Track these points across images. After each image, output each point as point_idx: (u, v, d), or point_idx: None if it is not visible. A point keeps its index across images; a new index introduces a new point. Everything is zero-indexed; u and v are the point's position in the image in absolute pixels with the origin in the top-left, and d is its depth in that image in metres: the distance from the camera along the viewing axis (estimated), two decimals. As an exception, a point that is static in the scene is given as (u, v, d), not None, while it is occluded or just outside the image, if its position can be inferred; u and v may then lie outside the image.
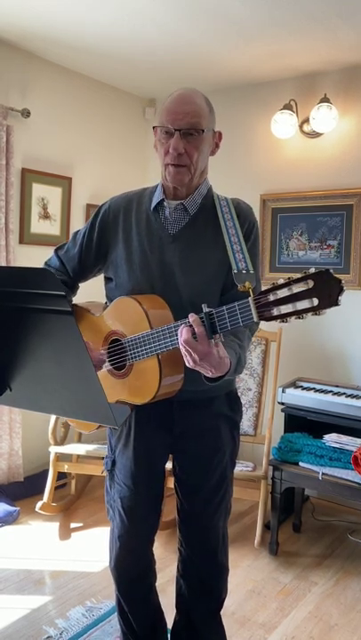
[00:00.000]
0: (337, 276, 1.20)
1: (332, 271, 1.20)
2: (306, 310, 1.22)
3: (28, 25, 3.03)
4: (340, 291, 1.19)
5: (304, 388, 3.16)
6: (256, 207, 3.74)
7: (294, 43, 3.12)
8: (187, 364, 1.39)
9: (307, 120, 3.49)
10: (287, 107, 3.47)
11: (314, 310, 1.21)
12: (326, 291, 1.20)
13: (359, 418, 2.89)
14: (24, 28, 3.07)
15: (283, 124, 3.48)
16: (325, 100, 3.33)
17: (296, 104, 3.53)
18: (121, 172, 4.12)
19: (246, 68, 3.52)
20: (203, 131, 1.54)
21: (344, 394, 3.04)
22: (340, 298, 1.20)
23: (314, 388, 3.15)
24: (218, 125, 1.67)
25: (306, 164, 3.61)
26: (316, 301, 1.21)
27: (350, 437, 2.85)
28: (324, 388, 3.17)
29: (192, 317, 1.35)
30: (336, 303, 1.20)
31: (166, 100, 1.58)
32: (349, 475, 2.67)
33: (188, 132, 1.52)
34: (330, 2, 2.66)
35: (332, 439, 2.84)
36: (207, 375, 1.41)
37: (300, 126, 3.56)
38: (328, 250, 3.53)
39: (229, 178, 3.49)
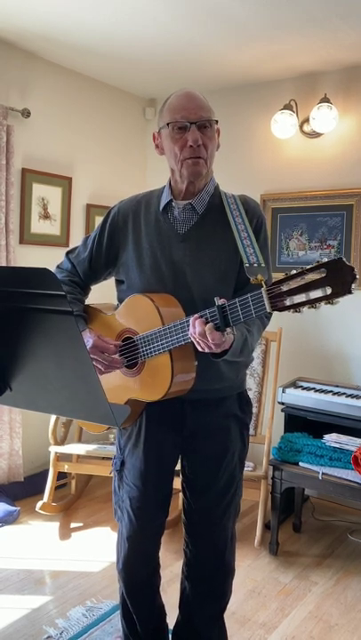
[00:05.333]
0: (350, 264, 1.20)
1: (344, 259, 1.20)
2: (319, 299, 1.22)
3: (28, 25, 3.04)
4: (354, 278, 1.19)
5: (304, 388, 3.16)
6: (256, 207, 3.74)
7: (294, 43, 3.12)
8: (199, 349, 1.42)
9: (307, 120, 3.49)
10: (287, 107, 3.48)
11: (327, 299, 1.21)
12: (339, 279, 1.20)
13: (359, 418, 2.89)
14: (24, 27, 3.07)
15: (283, 124, 3.48)
16: (326, 100, 3.33)
17: (296, 104, 3.53)
18: (121, 171, 4.12)
19: (246, 67, 3.52)
20: (216, 121, 1.58)
21: (344, 394, 3.04)
22: (353, 286, 1.19)
23: (314, 388, 3.15)
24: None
25: (306, 164, 3.61)
26: (329, 290, 1.21)
27: (350, 437, 2.85)
28: (324, 387, 3.17)
29: (197, 319, 1.39)
30: (349, 291, 1.20)
31: (170, 100, 1.60)
32: (349, 475, 2.67)
33: (203, 124, 1.55)
34: (330, 2, 2.66)
35: (332, 439, 2.84)
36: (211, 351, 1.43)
37: (301, 126, 3.56)
38: (328, 250, 3.53)
39: (229, 178, 3.48)
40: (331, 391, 3.10)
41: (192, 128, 1.54)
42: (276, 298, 1.28)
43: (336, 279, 1.20)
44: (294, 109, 3.50)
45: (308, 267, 1.23)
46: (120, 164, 4.12)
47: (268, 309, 1.29)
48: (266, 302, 1.29)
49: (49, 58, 3.52)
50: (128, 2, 2.74)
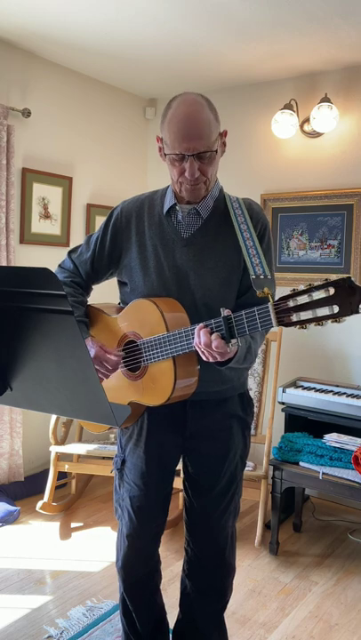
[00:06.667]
0: (358, 284, 1.21)
1: (353, 279, 1.21)
2: (326, 317, 1.23)
3: (28, 25, 3.04)
4: None
5: (304, 388, 3.16)
6: (257, 207, 3.74)
7: (295, 42, 3.11)
8: (203, 359, 1.42)
9: (307, 120, 3.49)
10: (288, 106, 3.48)
11: (334, 317, 1.22)
12: (347, 298, 1.20)
13: (360, 417, 2.89)
14: (25, 27, 3.07)
15: (283, 124, 3.48)
16: (326, 99, 3.33)
17: (297, 104, 3.53)
18: (121, 171, 4.12)
19: (247, 67, 3.52)
20: (216, 151, 1.53)
21: (344, 393, 3.04)
22: (360, 305, 1.20)
23: (314, 388, 3.15)
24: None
25: (306, 164, 3.61)
26: (336, 309, 1.21)
27: (351, 437, 2.85)
28: (325, 387, 3.17)
29: (202, 329, 1.39)
30: (357, 311, 1.20)
31: (170, 116, 1.51)
32: (350, 474, 2.68)
33: (203, 154, 1.51)
34: (330, 1, 2.65)
35: (332, 439, 2.84)
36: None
37: (301, 126, 3.56)
38: (328, 249, 3.53)
39: (230, 177, 3.49)
40: (331, 391, 3.10)
41: (190, 160, 1.50)
42: (283, 313, 1.28)
43: (344, 298, 1.21)
44: (295, 109, 3.50)
45: (316, 284, 1.24)
46: (121, 164, 4.12)
47: (275, 324, 1.30)
48: (272, 317, 1.30)
49: (49, 58, 3.52)
50: (128, 1, 2.74)
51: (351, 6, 2.69)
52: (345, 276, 1.23)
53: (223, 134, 1.60)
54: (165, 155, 1.55)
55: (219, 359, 1.40)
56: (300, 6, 2.71)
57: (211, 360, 1.41)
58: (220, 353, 1.38)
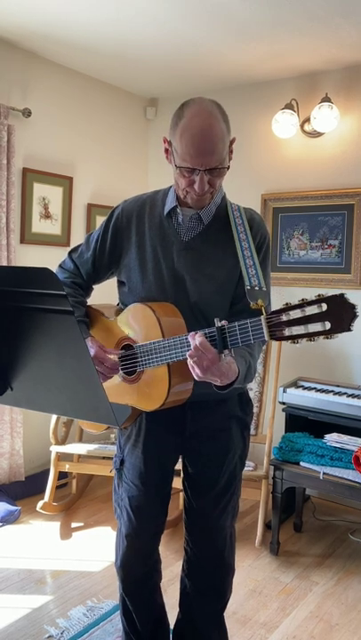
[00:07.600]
0: (351, 301, 1.20)
1: (347, 296, 1.20)
2: (318, 333, 1.22)
3: (29, 24, 3.03)
4: (354, 316, 1.19)
5: (305, 388, 3.16)
6: (257, 207, 3.74)
7: (295, 42, 3.11)
8: (195, 377, 1.39)
9: (308, 119, 3.49)
10: (288, 106, 3.47)
11: (326, 334, 1.21)
12: (340, 315, 1.20)
13: (360, 417, 2.89)
14: (25, 27, 3.07)
15: (284, 124, 3.48)
16: (327, 99, 3.33)
17: (297, 103, 3.53)
18: (122, 171, 4.12)
19: (247, 67, 3.52)
20: (227, 167, 1.53)
21: (345, 393, 3.04)
22: (352, 323, 1.19)
23: (315, 388, 3.15)
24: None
25: (307, 164, 3.61)
26: (328, 325, 1.21)
27: (351, 437, 2.85)
28: (325, 387, 3.16)
29: (200, 338, 1.35)
30: (349, 328, 1.20)
31: (183, 126, 1.48)
32: (350, 474, 2.67)
33: (214, 169, 1.50)
34: (331, 0, 2.65)
35: (333, 439, 2.84)
36: (216, 384, 1.41)
37: (302, 126, 3.56)
38: (329, 249, 3.53)
39: (230, 178, 3.46)
40: (332, 391, 3.10)
41: (201, 174, 1.49)
42: (275, 327, 1.27)
43: (336, 315, 1.20)
44: (295, 109, 3.50)
45: (310, 300, 1.23)
46: (121, 164, 4.12)
47: (267, 338, 1.29)
48: (265, 331, 1.29)
49: (50, 57, 3.52)
50: (129, 1, 2.73)
51: (352, 5, 2.69)
52: (338, 292, 1.22)
53: (231, 142, 1.58)
54: (176, 166, 1.53)
55: (199, 374, 1.36)
56: (300, 5, 2.71)
57: (200, 373, 1.36)
58: (210, 362, 1.35)
